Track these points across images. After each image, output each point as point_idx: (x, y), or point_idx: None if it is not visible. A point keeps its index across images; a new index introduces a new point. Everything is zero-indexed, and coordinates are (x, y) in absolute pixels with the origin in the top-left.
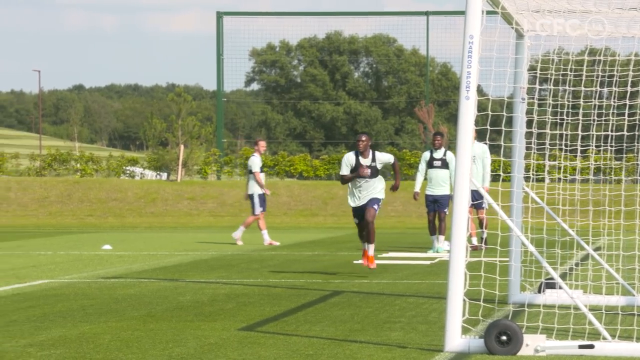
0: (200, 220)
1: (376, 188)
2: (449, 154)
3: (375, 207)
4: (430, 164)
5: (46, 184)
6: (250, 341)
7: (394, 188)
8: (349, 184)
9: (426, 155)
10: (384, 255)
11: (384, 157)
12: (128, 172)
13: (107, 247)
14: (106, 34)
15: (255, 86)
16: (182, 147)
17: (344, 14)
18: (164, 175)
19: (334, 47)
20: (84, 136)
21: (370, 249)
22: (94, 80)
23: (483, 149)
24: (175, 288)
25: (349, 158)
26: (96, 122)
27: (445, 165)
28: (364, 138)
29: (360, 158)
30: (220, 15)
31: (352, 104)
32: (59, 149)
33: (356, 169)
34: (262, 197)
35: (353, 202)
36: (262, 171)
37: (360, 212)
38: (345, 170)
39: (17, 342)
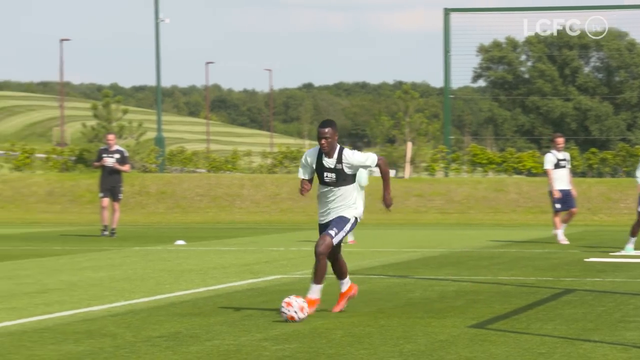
0: (428, 217)
1: (345, 201)
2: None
3: (333, 233)
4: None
5: (277, 181)
6: (481, 339)
7: (385, 203)
8: (318, 191)
9: None
10: (616, 253)
11: (356, 158)
12: None
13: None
14: (335, 33)
15: (482, 83)
16: (409, 144)
17: (573, 8)
18: (392, 172)
19: (563, 42)
20: (313, 134)
21: (314, 290)
22: (323, 78)
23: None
24: (404, 285)
25: (309, 156)
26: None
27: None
28: (326, 130)
29: (323, 157)
30: (447, 12)
31: (582, 100)
32: (289, 146)
33: (320, 171)
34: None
35: (320, 217)
36: (559, 167)
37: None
38: (301, 173)
39: (252, 336)
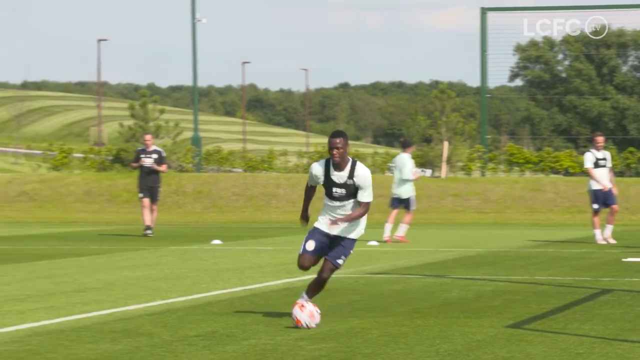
0: (464, 217)
1: (355, 224)
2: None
3: (341, 261)
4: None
5: None
6: (518, 339)
7: (332, 222)
8: (323, 207)
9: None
10: None
11: (365, 178)
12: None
13: (374, 242)
14: (372, 32)
15: (519, 82)
16: (446, 143)
17: (611, 7)
18: (428, 172)
19: (600, 41)
20: (349, 133)
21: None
22: (359, 78)
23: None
24: (441, 284)
25: (316, 170)
26: (361, 120)
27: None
28: (338, 141)
29: (332, 171)
30: (484, 11)
31: (620, 99)
32: (325, 146)
33: (328, 185)
34: (597, 193)
35: (320, 223)
36: (598, 166)
37: (319, 243)
38: (309, 180)
39: (288, 335)
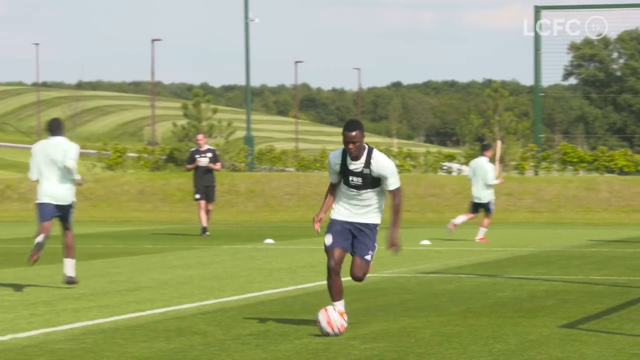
0: (517, 216)
1: (372, 204)
2: None
3: (370, 257)
4: None
5: None
6: (572, 339)
7: (389, 242)
8: (339, 194)
9: None
10: None
11: (382, 163)
12: (445, 167)
13: (426, 242)
14: (425, 31)
15: (572, 80)
16: (499, 142)
17: None
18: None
19: None
20: (401, 132)
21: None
22: (412, 77)
23: None
24: (494, 284)
25: (333, 160)
26: (414, 119)
27: None
28: (354, 134)
29: (349, 161)
30: (538, 10)
31: None
32: (377, 145)
33: (345, 174)
34: None
35: (337, 213)
36: None
37: (338, 234)
38: (332, 177)
39: (341, 334)
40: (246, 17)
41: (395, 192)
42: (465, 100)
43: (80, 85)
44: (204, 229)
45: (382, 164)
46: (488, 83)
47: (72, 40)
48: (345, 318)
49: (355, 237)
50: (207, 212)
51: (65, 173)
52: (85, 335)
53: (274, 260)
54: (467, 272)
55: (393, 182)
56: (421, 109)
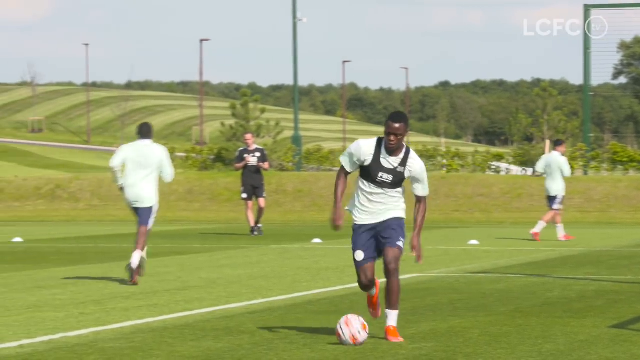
0: (566, 216)
1: (394, 202)
2: None
3: (401, 243)
4: None
5: None
6: (622, 339)
7: (412, 247)
8: (357, 192)
9: None
10: None
11: (419, 166)
12: (493, 167)
13: (474, 242)
14: (473, 30)
15: (622, 79)
16: (547, 142)
17: None
18: (530, 171)
19: None
20: (450, 132)
21: (393, 317)
22: (460, 76)
23: None
24: (542, 284)
25: (364, 149)
26: (462, 118)
27: None
28: (398, 126)
29: (383, 153)
30: (587, 8)
31: None
32: (425, 144)
33: (374, 169)
34: None
35: (360, 217)
36: None
37: (368, 240)
38: (348, 165)
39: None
40: (294, 16)
41: (424, 199)
42: (513, 100)
43: (129, 85)
44: (252, 229)
45: (421, 166)
46: (537, 82)
47: (121, 41)
48: (366, 331)
49: (380, 232)
50: (260, 210)
51: (150, 175)
52: (134, 334)
53: (322, 260)
54: (516, 272)
55: (425, 187)
56: (469, 109)
